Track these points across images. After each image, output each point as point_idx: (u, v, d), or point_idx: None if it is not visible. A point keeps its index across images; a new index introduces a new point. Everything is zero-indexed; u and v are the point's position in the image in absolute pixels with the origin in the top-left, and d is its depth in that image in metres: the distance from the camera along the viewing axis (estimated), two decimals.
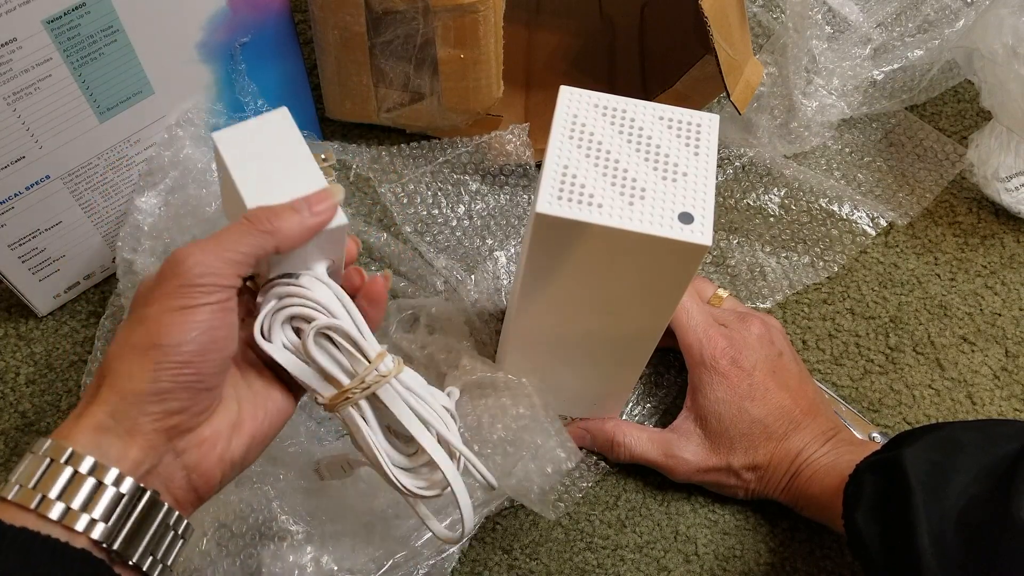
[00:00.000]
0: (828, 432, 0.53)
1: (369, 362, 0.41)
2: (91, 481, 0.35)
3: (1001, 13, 0.63)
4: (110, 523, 0.35)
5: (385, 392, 0.41)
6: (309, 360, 0.41)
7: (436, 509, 0.47)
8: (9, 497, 0.34)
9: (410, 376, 0.42)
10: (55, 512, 0.34)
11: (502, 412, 0.52)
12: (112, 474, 0.35)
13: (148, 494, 0.36)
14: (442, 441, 0.42)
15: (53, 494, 0.34)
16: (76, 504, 0.34)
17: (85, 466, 0.35)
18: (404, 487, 0.42)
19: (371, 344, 0.41)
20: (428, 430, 0.42)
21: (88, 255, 0.60)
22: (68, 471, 0.35)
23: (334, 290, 0.42)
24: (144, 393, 0.36)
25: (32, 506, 0.34)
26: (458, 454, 0.42)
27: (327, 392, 0.41)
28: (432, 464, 0.41)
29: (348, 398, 0.41)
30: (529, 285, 0.45)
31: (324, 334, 0.41)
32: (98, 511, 0.35)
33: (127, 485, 0.36)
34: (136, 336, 0.37)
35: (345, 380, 0.41)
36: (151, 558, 0.37)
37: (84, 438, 0.36)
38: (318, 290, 0.41)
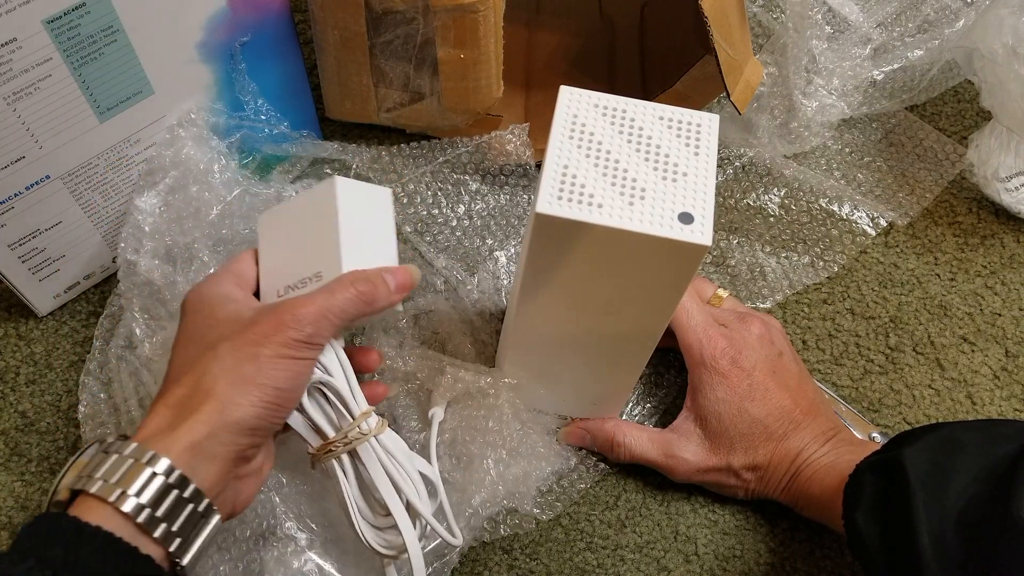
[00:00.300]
0: (828, 432, 0.53)
1: (354, 420, 0.44)
2: (176, 494, 0.37)
3: (1001, 13, 0.63)
4: (187, 539, 0.38)
5: (364, 450, 0.45)
6: (302, 410, 0.44)
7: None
8: (110, 499, 0.36)
9: (391, 438, 0.46)
10: (143, 518, 0.36)
11: (476, 422, 0.53)
12: (192, 491, 0.38)
13: (216, 517, 0.40)
14: (410, 508, 0.45)
15: (145, 500, 0.37)
16: (160, 514, 0.37)
17: (174, 478, 0.37)
18: (368, 542, 0.45)
19: (359, 404, 0.45)
20: (399, 495, 0.45)
21: (88, 255, 0.60)
22: (161, 481, 0.37)
23: (336, 351, 0.45)
24: (245, 425, 0.39)
25: (127, 510, 0.36)
26: (423, 521, 0.46)
27: (315, 443, 0.45)
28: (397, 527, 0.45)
29: (331, 451, 0.45)
30: (529, 285, 0.45)
31: (319, 388, 0.44)
32: (177, 524, 0.37)
33: (203, 505, 0.39)
34: (249, 371, 0.40)
35: (331, 433, 0.45)
36: (194, 570, 0.40)
37: (181, 453, 0.38)
38: (325, 350, 0.45)
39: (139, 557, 0.35)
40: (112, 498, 0.36)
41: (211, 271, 0.56)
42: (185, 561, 0.38)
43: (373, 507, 0.46)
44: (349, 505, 0.45)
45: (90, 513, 0.36)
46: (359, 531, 0.45)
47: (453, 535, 0.48)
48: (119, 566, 0.34)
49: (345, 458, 0.45)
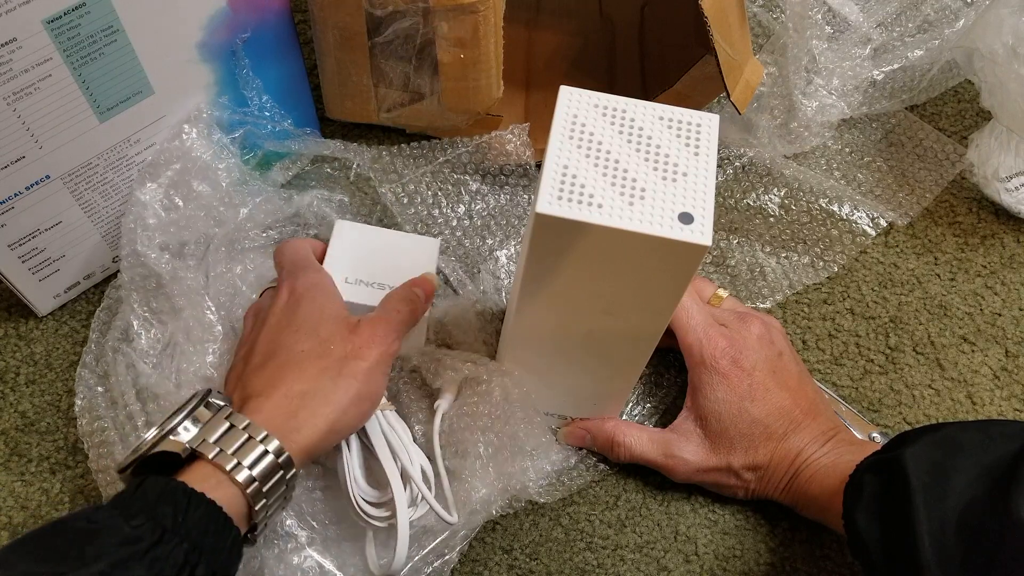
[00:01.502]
0: (828, 432, 0.53)
1: None
2: (284, 489, 0.42)
3: (1001, 13, 0.63)
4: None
5: (370, 423, 0.48)
6: None
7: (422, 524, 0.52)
8: (238, 478, 0.40)
9: (394, 418, 0.50)
10: (260, 504, 0.41)
11: (478, 416, 0.53)
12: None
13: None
14: (404, 474, 0.48)
15: (265, 488, 0.41)
16: (270, 501, 0.42)
17: (291, 474, 0.42)
18: (360, 509, 0.48)
19: None
20: (396, 461, 0.48)
21: (88, 255, 0.60)
22: (281, 474, 0.42)
23: None
24: (345, 433, 0.46)
25: (250, 492, 0.40)
26: (419, 495, 0.48)
27: None
28: (390, 503, 0.47)
29: None
30: (529, 285, 0.45)
31: None
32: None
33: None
34: (358, 383, 0.45)
35: None
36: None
37: (300, 452, 0.43)
38: None
39: (233, 529, 0.39)
40: (240, 477, 0.40)
41: (225, 267, 0.57)
42: (258, 541, 0.43)
43: (370, 481, 0.48)
44: (347, 476, 0.48)
45: (198, 475, 0.40)
46: (353, 500, 0.47)
47: (450, 514, 0.49)
48: (216, 533, 0.38)
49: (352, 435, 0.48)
